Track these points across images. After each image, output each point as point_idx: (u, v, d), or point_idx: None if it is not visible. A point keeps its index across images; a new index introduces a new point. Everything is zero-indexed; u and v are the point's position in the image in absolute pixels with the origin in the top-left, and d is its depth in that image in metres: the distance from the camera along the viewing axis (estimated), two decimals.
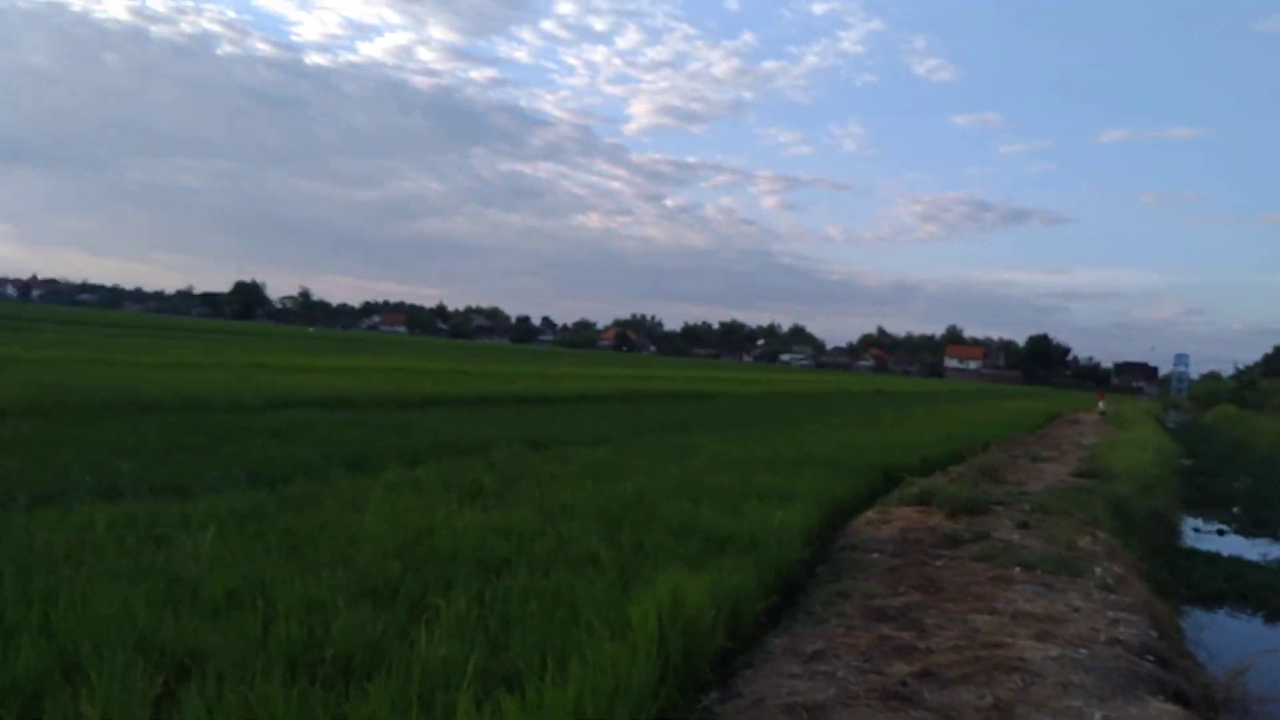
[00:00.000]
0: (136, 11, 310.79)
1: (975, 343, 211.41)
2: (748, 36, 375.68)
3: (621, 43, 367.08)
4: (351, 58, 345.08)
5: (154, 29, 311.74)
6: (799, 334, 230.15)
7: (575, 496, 9.68)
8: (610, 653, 4.85)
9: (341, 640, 4.78)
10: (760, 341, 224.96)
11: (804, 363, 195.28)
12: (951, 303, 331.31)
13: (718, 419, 24.21)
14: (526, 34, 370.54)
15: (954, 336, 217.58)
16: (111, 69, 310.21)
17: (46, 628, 4.67)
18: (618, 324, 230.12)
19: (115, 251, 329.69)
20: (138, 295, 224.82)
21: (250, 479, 9.44)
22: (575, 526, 8.18)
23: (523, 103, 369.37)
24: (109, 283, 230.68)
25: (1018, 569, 9.13)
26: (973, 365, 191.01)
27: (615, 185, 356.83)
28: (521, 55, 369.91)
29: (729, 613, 6.12)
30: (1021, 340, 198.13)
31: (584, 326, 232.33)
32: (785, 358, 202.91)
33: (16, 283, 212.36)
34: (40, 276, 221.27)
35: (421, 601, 5.70)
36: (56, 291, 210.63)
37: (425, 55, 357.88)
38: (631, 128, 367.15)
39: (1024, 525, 11.64)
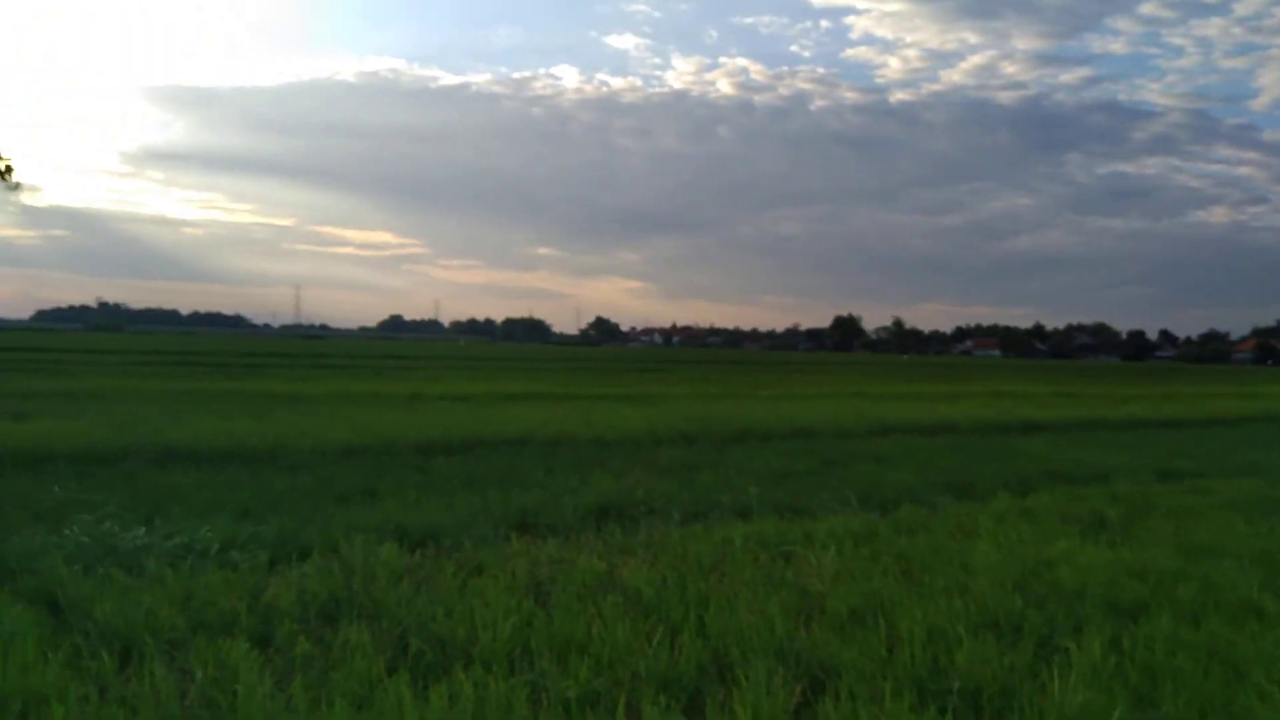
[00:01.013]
0: (741, 85, 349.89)
1: None
2: None
3: (1240, 9, 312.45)
4: (933, 87, 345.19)
5: (757, 98, 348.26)
6: None
7: (1222, 536, 8.37)
8: None
9: (967, 672, 4.67)
10: None
11: None
12: None
13: None
14: (1122, 23, 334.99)
15: None
16: (723, 140, 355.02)
17: (702, 629, 5.34)
18: (1258, 332, 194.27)
19: (733, 299, 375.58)
20: (753, 335, 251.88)
21: (860, 502, 9.84)
22: (1226, 570, 7.03)
23: (1121, 96, 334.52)
24: (730, 326, 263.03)
25: None
26: None
27: (1244, 171, 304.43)
28: (1117, 47, 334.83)
29: None
30: None
31: (1213, 338, 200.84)
32: None
33: (661, 331, 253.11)
34: (678, 325, 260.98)
35: (1048, 641, 5.34)
36: (690, 336, 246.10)
37: (1008, 69, 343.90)
38: (1261, 102, 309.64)
39: None
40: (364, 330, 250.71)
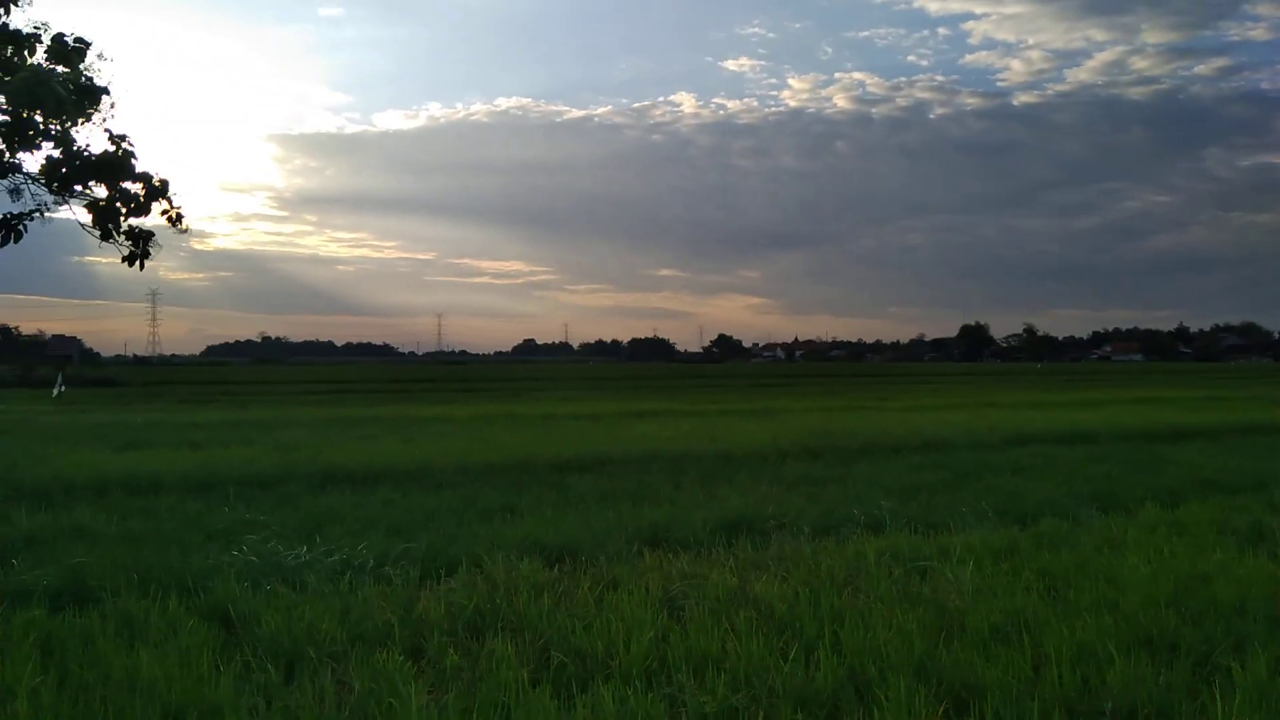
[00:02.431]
0: (858, 99, 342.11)
1: None
2: None
3: None
4: (1059, 87, 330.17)
5: (874, 111, 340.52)
6: None
7: None
8: None
9: (1120, 693, 4.50)
10: None
11: None
12: None
13: None
14: (1263, 8, 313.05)
15: None
16: (841, 154, 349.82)
17: (837, 646, 5.31)
18: None
19: (856, 312, 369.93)
20: (877, 347, 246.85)
21: (998, 515, 9.55)
22: None
23: (1264, 85, 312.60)
24: (853, 338, 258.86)
25: None
26: None
27: None
28: (1258, 33, 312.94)
29: None
30: None
31: None
32: None
33: (784, 346, 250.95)
34: (800, 339, 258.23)
35: (1207, 660, 5.09)
36: (813, 351, 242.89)
37: (1139, 64, 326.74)
38: None
39: None
40: (500, 354, 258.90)
